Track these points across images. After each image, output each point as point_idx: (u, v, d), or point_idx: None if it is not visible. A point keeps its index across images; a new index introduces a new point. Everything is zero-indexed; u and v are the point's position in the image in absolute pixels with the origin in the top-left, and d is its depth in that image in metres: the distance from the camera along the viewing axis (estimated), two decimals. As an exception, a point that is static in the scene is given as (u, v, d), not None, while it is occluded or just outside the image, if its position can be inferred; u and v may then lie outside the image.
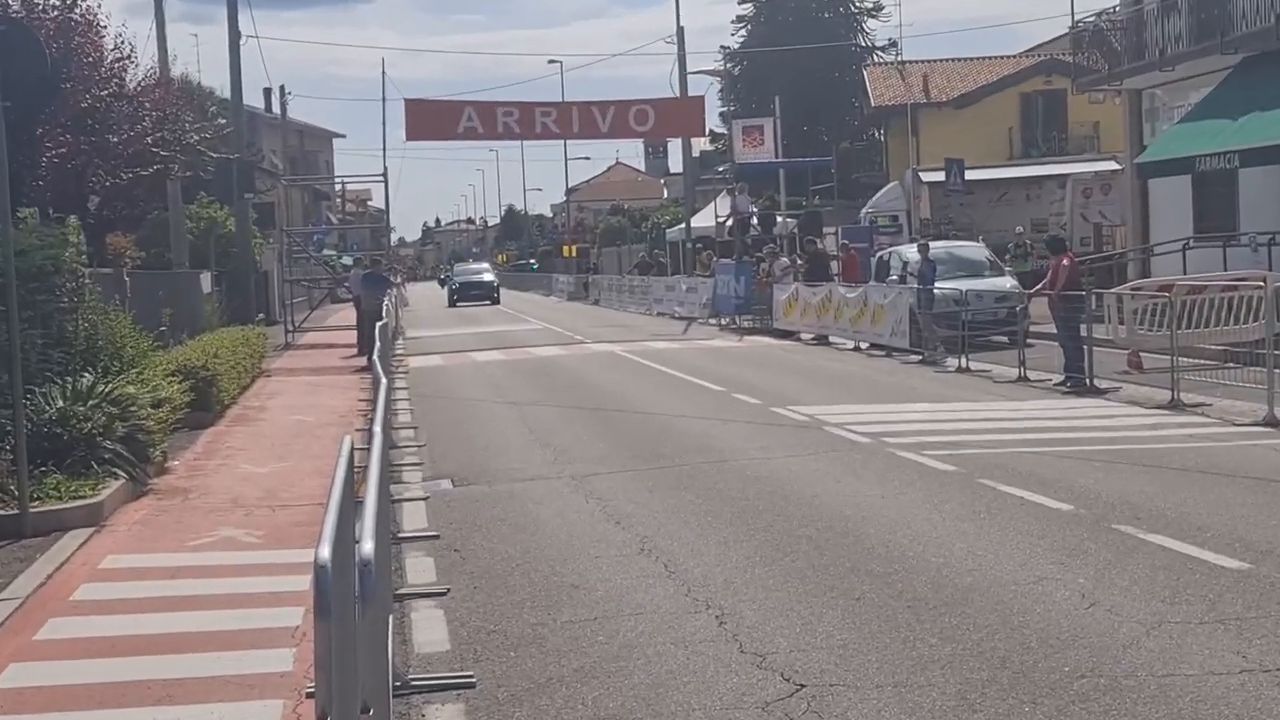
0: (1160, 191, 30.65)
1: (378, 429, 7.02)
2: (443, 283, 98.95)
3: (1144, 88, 31.19)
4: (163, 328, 21.69)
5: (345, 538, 4.19)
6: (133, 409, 13.68)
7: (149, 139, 27.60)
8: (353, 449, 5.91)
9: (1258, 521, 9.86)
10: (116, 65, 27.76)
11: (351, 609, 3.92)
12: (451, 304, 64.83)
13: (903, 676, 6.77)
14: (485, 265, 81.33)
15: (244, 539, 10.95)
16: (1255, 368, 16.20)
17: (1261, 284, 17.61)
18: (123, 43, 28.37)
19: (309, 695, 6.44)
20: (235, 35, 40.22)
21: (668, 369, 24.04)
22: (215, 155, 36.77)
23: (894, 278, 27.90)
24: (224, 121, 42.47)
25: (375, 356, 14.88)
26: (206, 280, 32.62)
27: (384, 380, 10.95)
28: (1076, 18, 33.57)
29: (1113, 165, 40.81)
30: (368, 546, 3.85)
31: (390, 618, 7.41)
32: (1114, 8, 31.45)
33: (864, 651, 7.17)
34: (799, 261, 33.78)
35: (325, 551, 3.47)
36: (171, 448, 15.20)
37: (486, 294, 66.33)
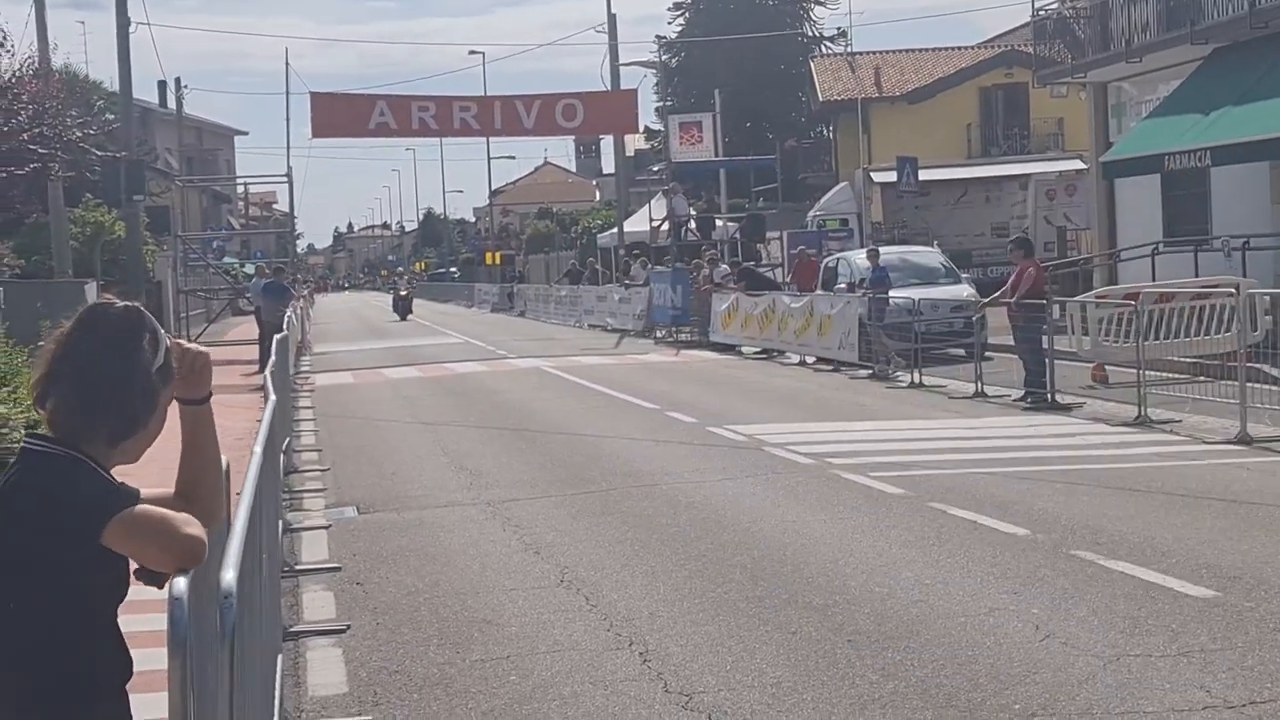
0: (1127, 192, 30.96)
1: (258, 449, 6.95)
2: (402, 301, 59.00)
3: (1110, 80, 31.50)
4: (41, 343, 21.40)
5: (213, 568, 4.11)
6: (4, 430, 13.46)
7: (25, 135, 27.25)
8: (228, 470, 5.80)
9: (1226, 547, 9.92)
10: (-10, 54, 27.42)
11: (216, 649, 3.84)
12: None
13: (840, 717, 6.74)
14: None
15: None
16: (1227, 381, 16.33)
17: (1234, 291, 17.77)
18: (-4, 29, 28.03)
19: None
20: (124, 21, 39.83)
21: (598, 386, 23.99)
22: (102, 153, 36.33)
23: (842, 286, 27.98)
24: (112, 117, 41.98)
25: (267, 371, 14.74)
26: (92, 291, 32.22)
27: (273, 395, 10.86)
28: (1038, 6, 33.88)
29: (1078, 164, 41.25)
30: (229, 576, 3.77)
31: (280, 657, 7.31)
32: (1078, -6, 31.77)
33: (799, 690, 7.13)
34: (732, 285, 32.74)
35: (181, 582, 3.39)
36: (47, 474, 14.95)
37: None
